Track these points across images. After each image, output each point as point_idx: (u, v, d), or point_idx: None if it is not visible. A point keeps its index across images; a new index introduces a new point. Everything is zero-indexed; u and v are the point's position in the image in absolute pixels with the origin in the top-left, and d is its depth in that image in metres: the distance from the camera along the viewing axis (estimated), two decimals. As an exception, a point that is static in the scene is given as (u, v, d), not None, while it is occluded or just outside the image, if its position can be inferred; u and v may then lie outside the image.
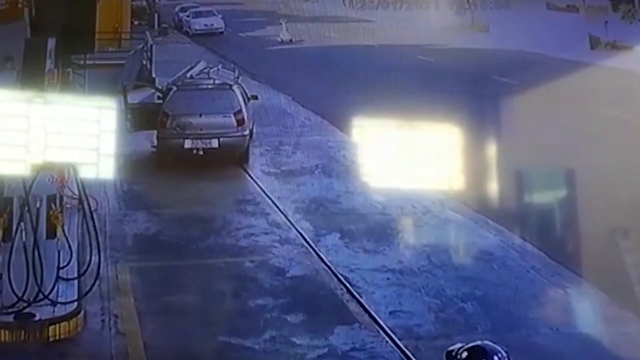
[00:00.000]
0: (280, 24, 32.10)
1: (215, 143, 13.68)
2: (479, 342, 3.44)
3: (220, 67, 15.78)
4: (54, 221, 7.88)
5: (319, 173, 13.73)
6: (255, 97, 16.04)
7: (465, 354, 3.37)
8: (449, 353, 3.45)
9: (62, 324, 7.65)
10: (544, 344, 7.50)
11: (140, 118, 13.80)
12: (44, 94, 5.88)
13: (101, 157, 5.16)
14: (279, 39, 31.02)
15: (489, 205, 11.26)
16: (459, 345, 3.44)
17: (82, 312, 7.88)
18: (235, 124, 13.85)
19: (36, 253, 7.66)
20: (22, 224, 7.69)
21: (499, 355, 3.35)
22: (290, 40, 30.84)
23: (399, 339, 7.58)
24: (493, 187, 11.68)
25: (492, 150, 12.78)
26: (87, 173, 5.31)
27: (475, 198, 10.89)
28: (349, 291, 8.73)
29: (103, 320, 8.02)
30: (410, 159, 5.26)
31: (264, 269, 9.45)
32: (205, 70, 14.94)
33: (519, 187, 11.56)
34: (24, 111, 5.14)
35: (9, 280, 7.63)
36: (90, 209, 8.32)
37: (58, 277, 7.91)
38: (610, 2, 28.73)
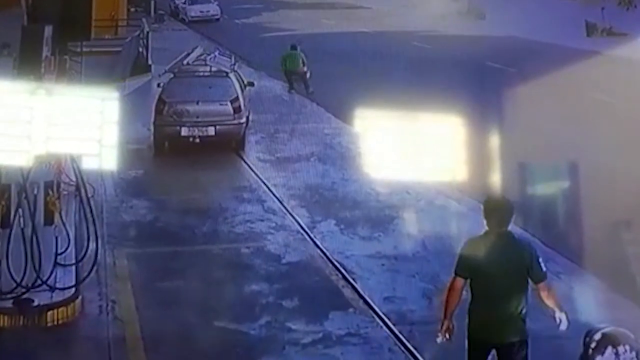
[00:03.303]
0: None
1: (211, 131, 13.71)
2: (616, 328, 3.71)
3: (216, 53, 15.79)
4: (51, 208, 7.92)
5: (314, 160, 13.78)
6: (252, 84, 16.07)
7: (599, 336, 3.65)
8: (589, 331, 3.72)
9: (60, 309, 7.71)
10: (540, 329, 7.58)
11: None
12: (46, 85, 5.90)
13: (104, 148, 5.19)
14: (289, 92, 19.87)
15: (484, 192, 11.29)
16: (600, 326, 3.72)
17: (80, 297, 7.94)
18: (231, 112, 13.89)
19: (34, 239, 7.71)
20: (19, 210, 7.73)
21: (627, 346, 3.61)
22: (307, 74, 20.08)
23: (394, 324, 7.65)
24: (489, 175, 11.73)
25: (487, 138, 12.82)
26: (89, 164, 5.34)
27: (471, 185, 10.92)
28: (344, 277, 8.80)
29: (100, 306, 8.08)
30: (405, 146, 5.30)
31: (259, 255, 9.52)
32: (202, 57, 14.96)
33: (514, 175, 11.62)
34: (27, 102, 5.16)
35: (8, 267, 7.68)
36: (87, 195, 8.37)
37: (56, 263, 7.95)
38: (607, -12, 28.66)
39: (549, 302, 5.55)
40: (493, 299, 5.49)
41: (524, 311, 5.53)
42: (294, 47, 19.76)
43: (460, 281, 5.56)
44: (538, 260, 5.51)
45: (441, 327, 5.61)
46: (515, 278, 5.46)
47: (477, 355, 5.73)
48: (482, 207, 5.63)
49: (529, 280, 5.53)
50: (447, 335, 5.62)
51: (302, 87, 19.53)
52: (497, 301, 5.49)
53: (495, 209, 5.54)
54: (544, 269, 5.52)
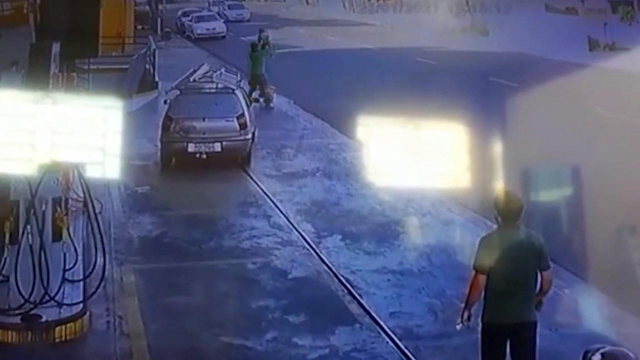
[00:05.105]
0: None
1: (218, 147, 13.78)
2: (616, 348, 3.60)
3: (223, 70, 15.89)
4: (59, 224, 7.95)
5: (320, 175, 13.82)
6: (257, 100, 16.14)
7: (598, 357, 3.53)
8: (586, 352, 3.59)
9: (68, 325, 7.72)
10: (544, 344, 7.58)
11: None
12: (50, 94, 5.94)
13: (107, 157, 5.22)
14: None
15: (488, 206, 11.31)
16: (597, 346, 3.59)
17: (88, 313, 7.96)
18: (238, 128, 13.96)
19: (42, 255, 7.72)
20: (28, 226, 7.75)
21: None
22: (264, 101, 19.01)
23: (400, 340, 7.66)
24: (492, 188, 11.73)
25: (491, 151, 12.86)
26: (93, 172, 5.37)
27: (475, 199, 10.97)
28: (350, 292, 8.81)
29: (108, 322, 8.10)
30: (410, 162, 5.34)
31: (266, 271, 9.54)
32: (208, 74, 15.06)
33: (518, 188, 11.61)
34: (31, 110, 5.19)
35: (16, 282, 7.70)
36: (94, 211, 8.42)
37: (64, 279, 7.98)
38: (609, 3, 28.70)
39: (544, 287, 6.09)
40: (512, 286, 5.96)
41: (535, 293, 6.08)
42: (254, 47, 19.10)
43: (482, 277, 5.98)
44: (546, 250, 6.07)
45: (461, 316, 6.07)
46: (530, 266, 6.00)
47: (493, 348, 6.04)
48: (495, 204, 6.08)
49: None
50: (467, 323, 6.08)
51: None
52: (516, 287, 5.97)
53: (510, 206, 6.03)
54: (549, 259, 6.10)
